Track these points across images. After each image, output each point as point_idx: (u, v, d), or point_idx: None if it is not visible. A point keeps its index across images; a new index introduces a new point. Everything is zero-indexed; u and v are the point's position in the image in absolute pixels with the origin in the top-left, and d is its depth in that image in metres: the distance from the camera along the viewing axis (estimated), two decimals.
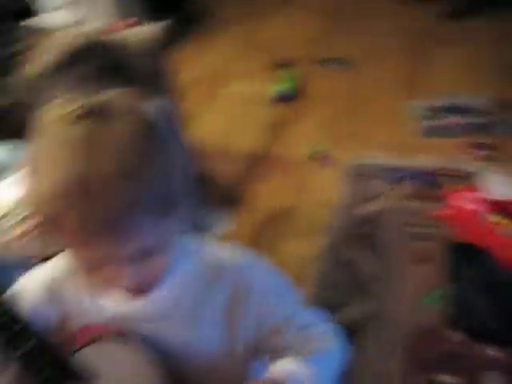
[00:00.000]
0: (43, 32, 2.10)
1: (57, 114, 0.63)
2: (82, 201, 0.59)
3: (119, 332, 0.77)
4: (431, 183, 2.28)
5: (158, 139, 0.63)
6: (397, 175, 2.34)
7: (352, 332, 1.75)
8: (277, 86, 2.97)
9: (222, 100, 3.07)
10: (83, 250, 0.65)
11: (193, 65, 3.32)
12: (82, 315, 0.80)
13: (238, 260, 0.84)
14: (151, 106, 0.65)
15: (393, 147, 2.51)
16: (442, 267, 1.88)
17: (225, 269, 0.81)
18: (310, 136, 2.67)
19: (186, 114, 2.73)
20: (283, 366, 0.77)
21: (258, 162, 2.56)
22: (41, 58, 0.83)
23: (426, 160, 2.40)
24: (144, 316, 0.77)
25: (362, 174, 2.40)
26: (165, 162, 0.63)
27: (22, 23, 2.23)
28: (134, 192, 0.60)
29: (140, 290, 0.74)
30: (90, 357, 0.73)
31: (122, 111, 0.63)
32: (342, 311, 1.84)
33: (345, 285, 1.94)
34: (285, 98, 2.94)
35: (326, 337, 0.86)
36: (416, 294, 1.86)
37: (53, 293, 0.81)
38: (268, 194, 2.35)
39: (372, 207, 2.23)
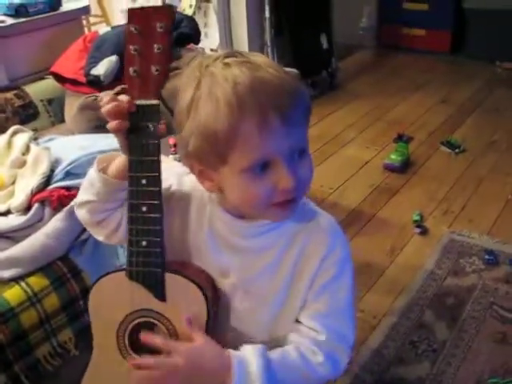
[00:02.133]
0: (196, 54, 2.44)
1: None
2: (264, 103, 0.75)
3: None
4: None
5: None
6: (494, 258, 2.33)
7: None
8: (391, 157, 3.10)
9: (339, 159, 3.26)
10: (257, 151, 0.77)
11: (316, 123, 3.59)
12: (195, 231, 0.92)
13: (331, 223, 0.93)
14: None
15: (494, 231, 2.55)
16: None
17: (315, 221, 0.91)
18: (414, 206, 2.75)
19: None
20: (250, 352, 0.85)
21: (362, 219, 2.68)
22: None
23: None
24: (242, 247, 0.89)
25: (458, 250, 2.42)
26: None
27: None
28: (304, 98, 0.81)
29: (292, 202, 0.82)
30: (173, 279, 0.87)
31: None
32: (409, 366, 1.86)
33: (415, 344, 1.95)
34: (394, 169, 3.08)
35: (328, 361, 0.88)
36: (485, 371, 1.83)
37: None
38: (362, 248, 2.45)
39: (462, 282, 2.23)
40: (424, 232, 2.56)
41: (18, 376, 1.58)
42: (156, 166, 0.84)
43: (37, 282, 1.62)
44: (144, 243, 0.85)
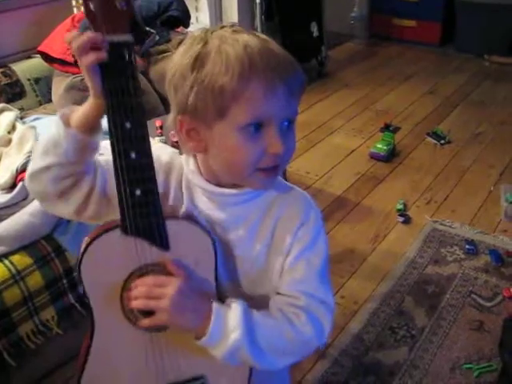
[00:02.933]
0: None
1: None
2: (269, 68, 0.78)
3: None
4: (506, 263, 2.30)
5: None
6: (474, 248, 2.37)
7: (390, 373, 1.80)
8: (378, 146, 3.13)
9: (326, 147, 3.28)
10: (258, 110, 0.79)
11: (304, 110, 3.61)
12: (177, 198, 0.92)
13: (305, 196, 0.96)
14: None
15: (475, 221, 2.59)
16: (495, 341, 1.88)
17: (289, 194, 0.93)
18: (398, 195, 2.78)
19: None
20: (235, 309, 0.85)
21: (346, 206, 2.72)
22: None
23: (505, 241, 2.43)
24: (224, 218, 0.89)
25: (440, 239, 2.46)
26: None
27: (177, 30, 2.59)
28: (302, 74, 0.84)
29: (276, 170, 0.85)
30: (174, 226, 0.84)
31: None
32: (388, 351, 1.90)
33: (394, 330, 1.99)
34: (380, 158, 3.11)
35: (311, 322, 0.89)
36: (460, 357, 1.87)
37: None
38: (345, 235, 2.49)
39: (443, 271, 2.27)
40: (407, 221, 2.59)
41: (0, 353, 1.59)
42: (139, 108, 0.79)
43: (20, 260, 1.63)
44: (138, 192, 0.80)
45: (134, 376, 0.92)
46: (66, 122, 0.83)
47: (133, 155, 0.79)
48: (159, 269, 0.85)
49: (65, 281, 1.70)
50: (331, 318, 0.92)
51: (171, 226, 0.83)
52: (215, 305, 0.85)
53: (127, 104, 0.78)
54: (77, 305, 1.74)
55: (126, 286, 0.85)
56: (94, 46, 0.76)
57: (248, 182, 0.87)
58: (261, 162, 0.83)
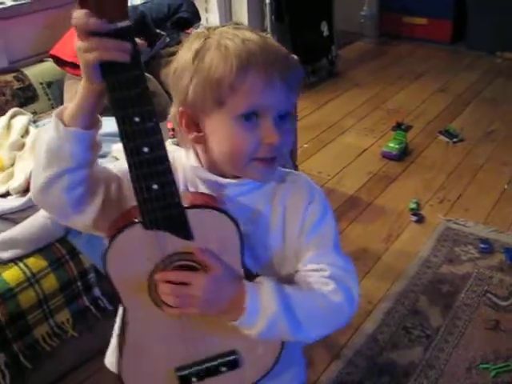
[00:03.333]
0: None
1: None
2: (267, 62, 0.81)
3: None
4: None
5: None
6: (489, 246, 2.35)
7: (405, 373, 1.79)
8: (389, 145, 3.11)
9: (337, 146, 3.28)
10: (256, 99, 0.81)
11: (315, 110, 3.60)
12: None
13: (304, 176, 0.98)
14: None
15: (489, 220, 2.58)
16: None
17: (289, 178, 0.95)
18: (411, 194, 2.76)
19: (300, 149, 2.96)
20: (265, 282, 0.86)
21: (359, 206, 2.71)
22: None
23: None
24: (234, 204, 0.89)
25: (454, 238, 2.44)
26: None
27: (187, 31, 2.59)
28: (301, 70, 0.88)
29: (274, 161, 0.86)
30: (195, 214, 0.83)
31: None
32: (402, 351, 1.89)
33: (408, 330, 1.98)
34: (392, 157, 3.10)
35: (340, 288, 0.89)
36: (476, 357, 1.86)
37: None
38: (358, 234, 2.48)
39: (457, 270, 2.25)
40: (420, 220, 2.58)
41: (16, 355, 1.61)
42: (146, 98, 0.75)
43: (35, 263, 1.64)
44: (155, 186, 0.77)
45: (168, 355, 0.93)
46: (64, 122, 0.80)
47: (145, 149, 0.76)
48: (186, 258, 0.84)
49: (79, 283, 1.71)
50: (357, 284, 0.93)
51: (191, 215, 0.82)
52: (247, 284, 0.85)
53: (133, 96, 0.74)
54: (91, 307, 1.75)
55: (152, 276, 0.85)
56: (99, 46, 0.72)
57: (246, 173, 0.88)
58: (257, 152, 0.84)
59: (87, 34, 0.72)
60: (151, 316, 0.89)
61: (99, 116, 0.83)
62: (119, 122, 0.76)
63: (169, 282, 0.84)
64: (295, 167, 2.59)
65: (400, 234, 2.50)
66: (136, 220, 0.81)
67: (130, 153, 0.77)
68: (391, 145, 3.12)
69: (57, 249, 1.68)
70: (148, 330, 0.92)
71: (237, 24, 0.88)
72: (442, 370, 1.82)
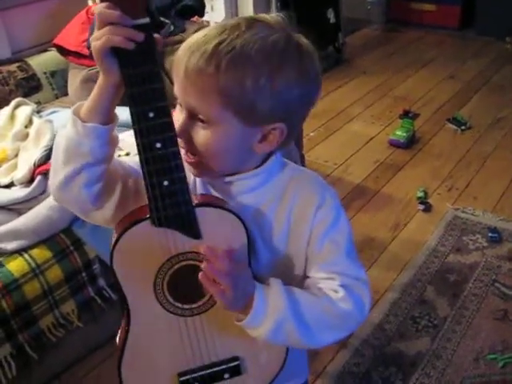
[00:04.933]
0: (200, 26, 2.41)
1: None
2: None
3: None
4: None
5: None
6: (497, 235, 2.33)
7: (412, 363, 1.78)
8: (397, 133, 3.09)
9: (344, 134, 3.25)
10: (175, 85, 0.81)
11: (322, 98, 3.57)
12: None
13: (316, 177, 0.94)
14: None
15: (497, 208, 2.55)
16: None
17: (300, 178, 0.91)
18: (418, 182, 2.74)
19: (306, 137, 2.93)
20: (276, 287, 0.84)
21: (366, 194, 2.69)
22: None
23: None
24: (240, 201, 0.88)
25: (462, 227, 2.42)
26: None
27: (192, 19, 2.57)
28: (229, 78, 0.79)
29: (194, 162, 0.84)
30: (204, 213, 0.82)
31: None
32: (409, 341, 1.88)
33: (415, 319, 1.97)
34: (400, 145, 3.07)
35: (350, 297, 0.87)
36: (484, 348, 1.84)
37: None
38: (365, 223, 2.46)
39: (465, 259, 2.23)
40: (428, 209, 2.56)
41: (22, 345, 1.61)
42: (162, 94, 0.75)
43: (40, 253, 1.63)
44: (166, 183, 0.77)
45: (170, 359, 0.92)
46: (81, 118, 0.80)
47: (158, 145, 0.76)
48: (194, 257, 0.83)
49: (84, 274, 1.70)
50: (369, 293, 0.90)
51: (201, 214, 0.81)
52: (257, 284, 0.84)
53: (149, 92, 0.75)
54: (97, 298, 1.75)
55: (159, 275, 0.84)
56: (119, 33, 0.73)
57: None
58: None
59: (106, 24, 0.73)
60: (155, 318, 0.88)
61: (115, 109, 0.82)
62: (133, 118, 0.76)
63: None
64: (302, 156, 2.57)
65: (407, 222, 2.48)
66: (144, 217, 0.80)
67: (143, 148, 0.77)
68: (398, 133, 3.09)
69: (61, 239, 1.67)
70: (151, 333, 0.90)
71: (256, 18, 0.82)
72: (450, 360, 1.81)
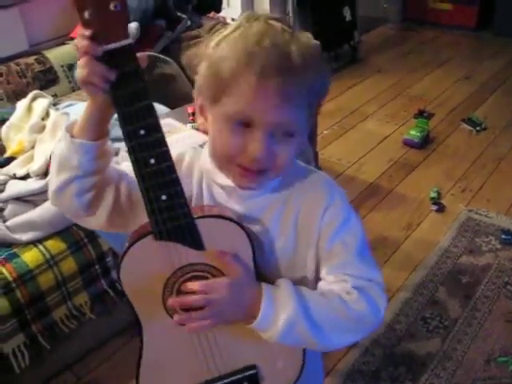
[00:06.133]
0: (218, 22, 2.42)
1: None
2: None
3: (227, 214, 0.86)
4: None
5: None
6: (511, 237, 2.31)
7: (422, 364, 1.78)
8: (411, 132, 3.08)
9: (358, 133, 3.24)
10: (245, 106, 0.77)
11: (337, 96, 3.57)
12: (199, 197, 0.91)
13: (326, 178, 0.93)
14: None
15: (511, 211, 2.52)
16: None
17: (309, 180, 0.90)
18: (432, 182, 2.73)
19: (320, 135, 2.93)
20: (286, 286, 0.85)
21: (379, 193, 2.68)
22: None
23: None
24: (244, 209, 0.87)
25: (475, 228, 2.41)
26: None
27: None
28: (316, 87, 0.81)
29: (256, 173, 0.82)
30: (205, 224, 0.82)
31: None
32: (420, 342, 1.87)
33: (426, 320, 1.96)
34: (414, 144, 3.06)
35: (364, 299, 0.86)
36: (495, 350, 1.83)
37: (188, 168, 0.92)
38: (378, 222, 2.46)
39: (477, 261, 2.22)
40: (441, 209, 2.55)
41: (35, 336, 1.63)
42: (151, 111, 0.76)
43: (54, 245, 1.65)
44: (164, 197, 0.79)
45: (186, 372, 0.92)
46: (72, 134, 0.82)
47: (152, 161, 0.77)
48: (198, 268, 0.84)
49: (97, 266, 1.71)
50: (383, 294, 0.89)
51: (202, 225, 0.82)
52: (264, 286, 0.85)
53: (138, 110, 0.76)
54: (110, 290, 1.76)
55: (166, 288, 0.85)
56: (100, 77, 0.74)
57: (229, 173, 0.86)
58: (239, 158, 0.81)
59: (84, 53, 0.74)
60: (167, 333, 0.89)
61: (107, 126, 0.83)
62: (125, 136, 0.77)
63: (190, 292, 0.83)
64: (315, 154, 2.57)
65: (420, 222, 2.47)
66: (147, 231, 0.81)
67: (137, 164, 0.78)
68: (413, 132, 3.08)
69: (75, 232, 1.69)
70: (165, 348, 0.91)
71: (277, 18, 0.82)
72: (460, 361, 1.80)
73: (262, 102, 0.77)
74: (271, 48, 0.76)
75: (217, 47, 0.80)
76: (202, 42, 0.85)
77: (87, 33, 0.72)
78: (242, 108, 0.77)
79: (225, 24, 2.37)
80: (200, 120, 0.88)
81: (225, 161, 0.83)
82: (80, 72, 0.75)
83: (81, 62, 0.74)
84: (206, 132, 0.88)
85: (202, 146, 0.95)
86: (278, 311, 0.83)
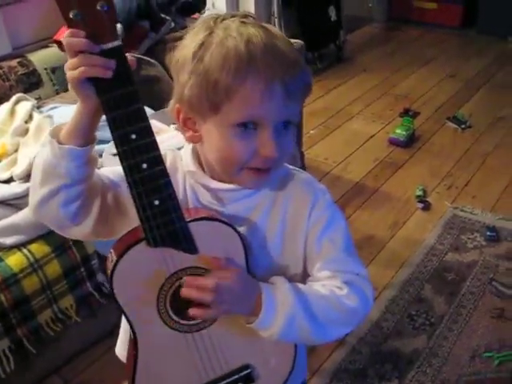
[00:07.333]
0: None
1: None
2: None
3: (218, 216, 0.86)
4: None
5: None
6: (495, 234, 2.33)
7: (409, 361, 1.79)
8: (397, 131, 3.09)
9: (344, 133, 3.26)
10: (253, 110, 0.76)
11: (323, 96, 3.58)
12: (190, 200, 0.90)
13: (308, 177, 0.94)
14: None
15: (496, 208, 2.55)
16: None
17: (292, 180, 0.91)
18: (417, 181, 2.74)
19: (306, 135, 2.94)
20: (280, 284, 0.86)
21: (365, 192, 2.70)
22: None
23: None
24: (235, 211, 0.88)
25: (460, 225, 2.43)
26: None
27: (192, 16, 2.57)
28: (307, 77, 0.82)
29: (268, 171, 0.82)
30: (197, 227, 0.81)
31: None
32: (406, 339, 1.88)
33: (413, 317, 1.97)
34: (399, 143, 3.07)
35: (354, 292, 0.88)
36: (481, 346, 1.85)
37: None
38: (364, 221, 2.48)
39: (463, 258, 2.24)
40: (427, 207, 2.56)
41: (20, 340, 1.62)
42: (143, 114, 0.75)
43: (38, 248, 1.64)
44: (156, 202, 0.77)
45: (182, 377, 0.93)
46: (59, 140, 0.79)
47: (144, 166, 0.76)
48: (193, 272, 0.84)
49: (82, 269, 1.71)
50: (370, 286, 0.91)
51: (194, 228, 0.81)
52: (262, 284, 0.85)
53: (129, 114, 0.74)
54: (95, 293, 1.75)
55: (160, 295, 0.84)
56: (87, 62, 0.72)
57: (238, 180, 0.84)
58: (251, 161, 0.80)
59: (76, 53, 0.72)
60: (162, 339, 0.88)
61: (94, 132, 0.81)
62: (116, 141, 0.76)
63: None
64: (301, 154, 2.58)
65: (406, 221, 2.49)
66: (139, 238, 0.80)
67: (130, 170, 0.76)
68: (398, 131, 3.10)
69: (59, 235, 1.66)
70: (160, 354, 0.90)
71: (245, 17, 0.82)
72: (446, 358, 1.81)
73: (271, 102, 0.77)
74: (264, 47, 0.76)
75: (201, 58, 0.77)
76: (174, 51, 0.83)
77: (82, 32, 0.71)
78: (250, 112, 0.77)
79: None
80: (188, 133, 0.85)
81: (237, 168, 0.82)
82: (73, 72, 0.72)
83: (73, 62, 0.72)
84: (194, 143, 0.87)
85: (179, 148, 0.94)
86: (279, 307, 0.84)
